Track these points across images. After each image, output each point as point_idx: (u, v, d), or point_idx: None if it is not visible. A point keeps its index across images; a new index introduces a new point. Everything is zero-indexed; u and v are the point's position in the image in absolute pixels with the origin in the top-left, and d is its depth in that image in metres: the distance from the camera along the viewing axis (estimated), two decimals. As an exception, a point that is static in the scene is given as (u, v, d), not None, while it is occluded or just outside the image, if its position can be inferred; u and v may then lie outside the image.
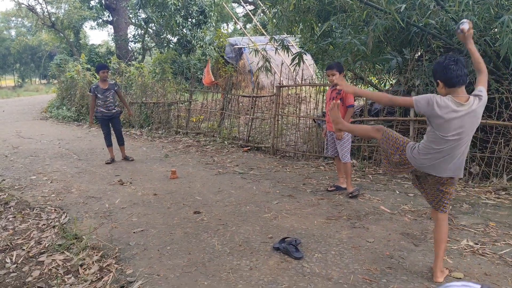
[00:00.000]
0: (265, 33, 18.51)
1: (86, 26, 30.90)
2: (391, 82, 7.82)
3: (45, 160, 7.75)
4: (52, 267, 3.48)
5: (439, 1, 5.25)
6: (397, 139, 3.02)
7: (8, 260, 3.66)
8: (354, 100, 5.42)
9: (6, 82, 55.22)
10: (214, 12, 18.71)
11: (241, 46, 18.02)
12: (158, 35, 19.72)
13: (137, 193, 5.54)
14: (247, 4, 25.31)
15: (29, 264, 3.58)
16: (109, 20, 26.39)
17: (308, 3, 6.54)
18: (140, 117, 11.81)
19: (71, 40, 27.81)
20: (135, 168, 7.02)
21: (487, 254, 3.45)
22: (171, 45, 18.90)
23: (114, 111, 7.40)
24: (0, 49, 46.31)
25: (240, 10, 32.90)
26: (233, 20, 24.91)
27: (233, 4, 30.15)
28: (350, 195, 5.10)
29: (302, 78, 8.50)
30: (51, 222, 4.56)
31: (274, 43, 7.40)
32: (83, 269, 3.42)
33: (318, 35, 7.03)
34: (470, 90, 2.96)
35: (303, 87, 8.77)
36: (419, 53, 6.61)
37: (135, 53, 23.79)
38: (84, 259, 3.55)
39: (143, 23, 20.68)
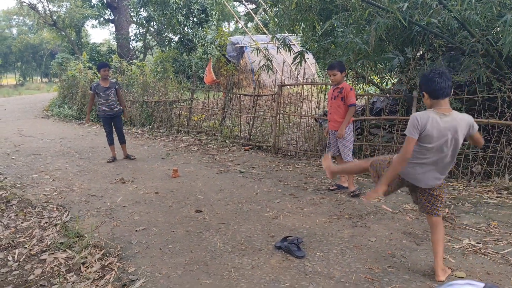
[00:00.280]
0: (266, 32, 18.50)
1: (87, 25, 31.04)
2: (392, 81, 7.81)
3: (47, 159, 7.76)
4: (54, 265, 3.49)
5: (441, 0, 5.24)
6: (385, 157, 3.20)
7: (10, 258, 3.67)
8: (356, 99, 5.42)
9: (8, 80, 55.26)
10: (215, 10, 18.69)
11: (242, 45, 18.01)
12: (160, 34, 19.70)
13: (138, 191, 5.54)
14: (249, 3, 25.29)
15: (31, 262, 3.59)
16: (110, 18, 26.39)
17: (310, 2, 6.53)
18: (142, 115, 11.82)
19: (72, 38, 27.84)
20: (137, 166, 7.02)
21: (489, 253, 3.44)
22: (172, 44, 18.88)
23: (116, 109, 7.41)
24: (1, 47, 46.32)
25: (241, 9, 32.89)
26: (235, 18, 24.89)
27: (235, 3, 30.12)
28: (351, 194, 5.10)
29: (303, 77, 8.49)
30: (53, 220, 4.56)
31: (275, 42, 7.40)
32: (85, 267, 3.42)
33: (319, 34, 7.02)
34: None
35: (305, 86, 8.77)
36: (421, 52, 6.61)
37: (137, 52, 23.79)
38: (86, 257, 3.56)
39: (144, 22, 20.66)
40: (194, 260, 3.46)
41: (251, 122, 8.78)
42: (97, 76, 14.03)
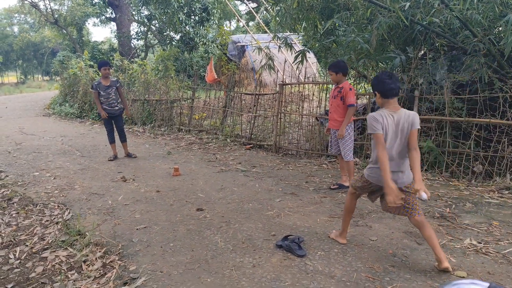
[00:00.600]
0: (267, 30, 18.50)
1: (89, 23, 30.89)
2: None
3: (48, 157, 7.76)
4: (56, 263, 3.50)
5: (443, -1, 5.23)
6: (361, 175, 3.48)
7: (11, 256, 3.68)
8: (357, 99, 5.42)
9: (9, 78, 55.37)
10: (217, 9, 18.68)
11: (243, 43, 18.01)
12: (161, 32, 19.69)
13: (140, 190, 5.54)
14: (250, 1, 25.25)
15: (33, 260, 3.60)
16: (112, 17, 26.38)
17: (311, 1, 6.53)
18: (143, 114, 11.82)
19: (74, 36, 27.84)
20: (138, 165, 7.03)
21: (491, 253, 3.44)
22: (174, 43, 18.87)
23: (117, 108, 7.41)
24: (3, 45, 46.36)
25: (243, 8, 32.87)
26: (236, 17, 24.87)
27: (236, 2, 30.10)
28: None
29: (305, 76, 8.49)
30: (54, 218, 4.57)
31: (277, 40, 7.39)
32: (86, 265, 3.43)
33: (321, 33, 7.02)
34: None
35: (306, 85, 8.77)
36: (423, 52, 6.60)
37: (138, 50, 23.77)
38: (87, 255, 3.56)
39: (146, 20, 20.65)
40: (195, 259, 3.46)
41: (252, 121, 8.78)
42: (98, 75, 14.02)
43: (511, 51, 4.64)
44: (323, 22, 6.96)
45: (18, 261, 3.59)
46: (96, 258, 3.52)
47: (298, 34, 8.48)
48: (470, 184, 5.43)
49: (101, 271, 3.32)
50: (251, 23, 30.52)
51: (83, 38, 29.43)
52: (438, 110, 6.03)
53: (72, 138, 9.85)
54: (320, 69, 15.84)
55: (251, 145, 8.37)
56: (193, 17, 17.70)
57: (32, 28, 47.25)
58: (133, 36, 23.06)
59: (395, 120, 3.12)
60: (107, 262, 3.45)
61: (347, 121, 5.13)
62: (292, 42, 7.43)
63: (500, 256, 3.39)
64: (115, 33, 24.43)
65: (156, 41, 23.49)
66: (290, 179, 5.93)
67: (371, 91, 3.73)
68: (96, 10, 26.63)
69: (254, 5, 24.96)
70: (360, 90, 7.87)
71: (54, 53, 38.19)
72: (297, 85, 8.99)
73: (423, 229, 3.16)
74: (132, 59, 16.96)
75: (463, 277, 3.08)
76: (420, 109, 6.16)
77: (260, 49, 7.51)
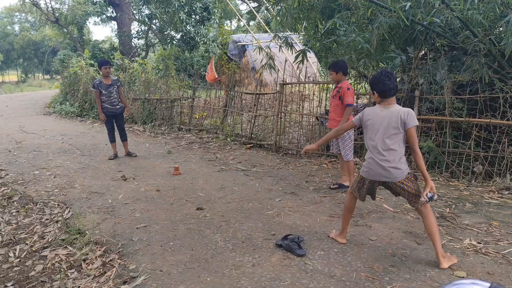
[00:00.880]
0: (268, 30, 18.49)
1: (89, 22, 30.81)
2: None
3: (48, 155, 7.77)
4: (55, 262, 3.50)
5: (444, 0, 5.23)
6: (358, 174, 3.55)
7: (11, 254, 3.68)
8: (358, 99, 5.42)
9: (10, 77, 55.37)
10: (217, 8, 18.65)
11: (244, 43, 18.01)
12: (162, 32, 19.66)
13: (140, 189, 5.55)
14: (251, 1, 25.24)
15: (32, 259, 3.60)
16: (112, 16, 26.35)
17: (312, 1, 6.53)
18: (143, 113, 11.82)
19: (74, 35, 27.84)
20: (138, 164, 7.03)
21: (490, 253, 3.44)
22: (174, 42, 18.86)
23: (118, 106, 7.41)
24: (3, 44, 46.39)
25: (243, 7, 32.86)
26: (237, 17, 24.87)
27: (237, 1, 30.10)
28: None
29: (305, 76, 8.49)
30: (54, 217, 4.58)
31: (277, 40, 7.39)
32: (86, 264, 3.43)
33: (322, 32, 7.01)
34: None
35: (306, 85, 8.76)
36: (423, 52, 6.60)
37: (139, 49, 23.77)
38: (87, 254, 3.57)
39: (146, 19, 20.62)
40: (195, 258, 3.46)
41: (253, 121, 8.78)
42: (99, 74, 14.02)
43: (511, 51, 4.63)
44: (323, 22, 6.96)
45: (18, 259, 3.59)
46: (96, 256, 3.53)
47: (298, 33, 8.48)
48: (470, 184, 5.43)
49: (101, 269, 3.32)
50: (251, 23, 30.50)
51: (84, 37, 29.43)
52: (438, 110, 6.03)
53: (73, 137, 9.86)
54: (320, 69, 15.85)
55: (251, 145, 8.37)
56: (194, 16, 17.67)
57: (33, 27, 47.27)
58: (133, 35, 23.05)
59: (383, 115, 3.23)
60: (107, 260, 3.46)
61: (344, 121, 5.12)
62: (292, 41, 7.43)
63: (500, 256, 3.39)
64: (116, 32, 24.44)
65: (157, 40, 23.48)
66: (290, 179, 5.94)
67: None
68: (97, 9, 26.61)
69: (255, 4, 24.95)
70: (361, 90, 7.87)
71: (54, 52, 38.16)
72: (298, 84, 8.99)
73: (427, 220, 3.24)
74: (133, 58, 16.96)
75: (463, 277, 3.08)
76: (421, 109, 6.16)
77: (260, 48, 7.51)
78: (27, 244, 3.89)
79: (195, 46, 18.29)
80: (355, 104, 6.15)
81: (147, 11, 19.71)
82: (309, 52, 7.52)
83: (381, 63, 7.26)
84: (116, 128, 7.55)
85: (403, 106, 6.34)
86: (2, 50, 46.26)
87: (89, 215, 4.56)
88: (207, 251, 3.58)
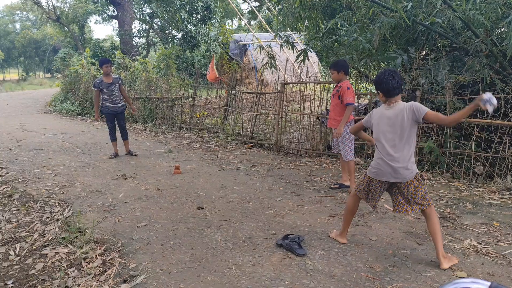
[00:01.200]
0: (269, 30, 18.48)
1: (91, 21, 30.97)
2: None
3: (49, 154, 7.77)
4: (56, 260, 3.50)
5: (446, 0, 5.22)
6: (364, 175, 3.51)
7: (11, 253, 3.68)
8: (359, 99, 5.41)
9: (10, 75, 55.41)
10: (219, 8, 18.66)
11: (245, 42, 18.00)
12: (163, 31, 19.67)
13: (140, 187, 5.55)
14: (252, 0, 25.23)
15: (33, 257, 3.60)
16: (114, 14, 26.34)
17: (313, 0, 6.52)
18: (144, 112, 11.82)
19: (75, 34, 27.81)
20: (139, 163, 7.03)
21: (491, 254, 3.44)
22: (175, 41, 18.86)
23: (119, 105, 7.41)
24: (4, 42, 46.42)
25: (245, 7, 32.83)
26: (238, 16, 24.85)
27: (238, 0, 30.09)
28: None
29: (306, 76, 8.48)
30: (54, 215, 4.57)
31: (279, 40, 7.39)
32: (86, 262, 3.43)
33: (323, 32, 7.01)
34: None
35: (307, 85, 8.76)
36: (425, 52, 6.59)
37: (140, 48, 23.77)
38: (87, 253, 3.57)
39: (148, 18, 20.65)
40: (195, 257, 3.46)
41: (253, 120, 8.78)
42: (99, 72, 14.03)
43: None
44: (325, 22, 6.96)
45: (18, 257, 3.59)
46: (96, 255, 3.52)
47: (300, 33, 8.48)
48: (471, 185, 5.43)
49: (101, 268, 3.32)
50: (253, 22, 30.50)
51: (85, 36, 29.40)
52: (439, 111, 6.02)
53: (73, 136, 9.86)
54: (321, 69, 15.85)
55: (252, 144, 8.37)
56: (195, 15, 17.69)
57: (34, 25, 47.31)
58: (135, 34, 23.06)
59: (389, 114, 3.23)
60: (107, 259, 3.46)
61: (345, 120, 5.11)
62: (293, 41, 7.43)
63: (501, 257, 3.39)
64: (117, 31, 24.44)
65: (158, 39, 23.50)
66: (290, 178, 5.93)
67: (373, 91, 3.77)
68: (98, 7, 26.61)
69: (256, 4, 24.94)
70: (362, 90, 7.87)
71: (55, 50, 38.16)
72: (299, 84, 8.99)
73: (430, 221, 3.26)
74: (134, 57, 16.96)
75: (463, 277, 3.07)
76: (422, 109, 6.15)
77: (261, 47, 7.50)
78: (27, 242, 3.89)
79: (196, 45, 18.30)
80: (355, 104, 6.15)
81: (148, 10, 19.74)
82: (310, 51, 7.52)
83: (382, 63, 7.26)
84: (117, 126, 7.55)
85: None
86: (3, 48, 46.29)
87: (90, 214, 4.56)
88: (207, 250, 3.58)
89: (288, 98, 8.75)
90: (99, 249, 3.64)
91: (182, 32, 18.09)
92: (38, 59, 49.75)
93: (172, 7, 16.36)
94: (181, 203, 4.87)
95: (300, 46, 9.63)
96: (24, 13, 47.32)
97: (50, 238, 3.96)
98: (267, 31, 19.27)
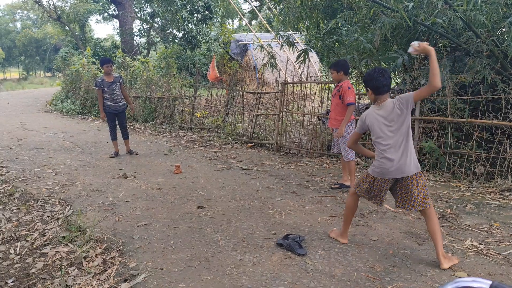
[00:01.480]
0: (270, 29, 18.48)
1: (91, 20, 30.91)
2: (396, 80, 7.79)
3: (50, 153, 7.77)
4: (56, 259, 3.50)
5: (447, 0, 5.22)
6: (365, 174, 3.50)
7: (12, 251, 3.68)
8: (359, 99, 5.40)
9: (11, 74, 55.43)
10: (220, 7, 18.67)
11: (246, 42, 18.00)
12: (164, 30, 19.68)
13: (141, 187, 5.55)
14: (253, 0, 25.23)
15: (33, 256, 3.60)
16: (114, 14, 26.33)
17: (314, 0, 6.51)
18: (145, 111, 11.83)
19: (76, 33, 27.82)
20: (139, 162, 7.03)
21: (491, 254, 3.44)
22: (176, 40, 18.87)
23: (121, 104, 7.42)
24: (5, 41, 46.44)
25: (245, 6, 32.84)
26: (239, 16, 24.85)
27: (239, 0, 30.08)
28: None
29: (307, 75, 8.48)
30: (55, 214, 4.58)
31: (279, 39, 7.38)
32: (87, 261, 3.43)
33: (324, 32, 7.01)
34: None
35: (308, 84, 8.76)
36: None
37: (140, 48, 23.77)
38: (87, 252, 3.57)
39: (148, 18, 20.65)
40: (196, 256, 3.46)
41: (254, 120, 8.78)
42: (100, 71, 14.03)
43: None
44: (326, 21, 6.95)
45: (19, 256, 3.60)
46: (97, 254, 3.53)
47: (300, 33, 8.47)
48: (471, 185, 5.43)
49: (102, 267, 3.32)
50: (253, 22, 30.50)
51: (86, 35, 29.39)
52: (440, 111, 6.02)
53: (74, 135, 9.86)
54: (322, 69, 15.84)
55: (253, 144, 8.37)
56: (196, 15, 17.69)
57: (34, 24, 47.32)
58: (135, 34, 23.06)
59: (382, 113, 3.26)
60: (108, 258, 3.46)
61: (346, 120, 5.10)
62: (294, 41, 7.43)
63: (501, 257, 3.38)
64: (118, 30, 24.45)
65: (159, 39, 23.50)
66: (291, 178, 5.93)
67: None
68: (99, 7, 26.59)
69: (257, 3, 24.95)
70: (362, 90, 7.86)
71: (56, 49, 38.19)
72: (299, 84, 8.98)
73: (430, 221, 3.24)
74: (135, 57, 16.96)
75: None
76: (422, 109, 6.16)
77: (262, 47, 7.50)
78: (27, 241, 3.89)
79: (197, 44, 18.32)
80: (356, 103, 6.14)
81: (149, 10, 19.75)
82: (311, 51, 7.51)
83: (383, 63, 7.25)
84: (118, 126, 7.55)
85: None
86: (4, 47, 46.30)
87: (90, 213, 4.56)
88: (207, 250, 3.58)
89: (288, 98, 8.74)
90: (100, 248, 3.64)
91: (183, 32, 18.10)
92: (39, 58, 49.77)
93: (173, 7, 16.37)
94: (182, 203, 4.87)
95: (301, 46, 9.63)
96: (25, 12, 47.34)
97: (51, 237, 3.96)
98: (267, 31, 19.26)
